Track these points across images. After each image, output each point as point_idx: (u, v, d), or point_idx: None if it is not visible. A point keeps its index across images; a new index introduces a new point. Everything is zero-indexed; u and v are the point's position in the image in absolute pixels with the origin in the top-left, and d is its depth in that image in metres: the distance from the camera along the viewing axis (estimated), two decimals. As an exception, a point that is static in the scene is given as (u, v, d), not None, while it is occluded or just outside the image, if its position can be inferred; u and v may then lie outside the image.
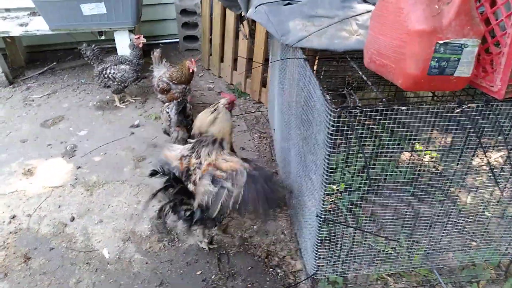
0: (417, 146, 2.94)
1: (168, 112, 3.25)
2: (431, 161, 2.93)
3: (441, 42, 1.47)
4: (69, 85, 4.50)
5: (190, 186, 2.18)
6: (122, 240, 2.62)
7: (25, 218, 2.77)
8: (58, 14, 3.90)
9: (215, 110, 2.26)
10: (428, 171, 2.81)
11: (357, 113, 1.59)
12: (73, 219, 2.77)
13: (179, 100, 3.29)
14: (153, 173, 2.05)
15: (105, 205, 2.89)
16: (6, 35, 4.18)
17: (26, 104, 4.13)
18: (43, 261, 2.47)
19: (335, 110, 1.56)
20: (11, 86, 4.45)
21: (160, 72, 3.77)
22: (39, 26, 4.15)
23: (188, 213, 2.19)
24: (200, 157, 2.23)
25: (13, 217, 2.77)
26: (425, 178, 2.55)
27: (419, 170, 2.60)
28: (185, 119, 3.26)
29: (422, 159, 2.88)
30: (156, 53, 3.81)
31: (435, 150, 2.84)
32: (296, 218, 2.58)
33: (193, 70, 3.60)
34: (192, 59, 3.60)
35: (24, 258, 2.48)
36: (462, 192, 2.51)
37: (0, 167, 3.24)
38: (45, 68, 4.80)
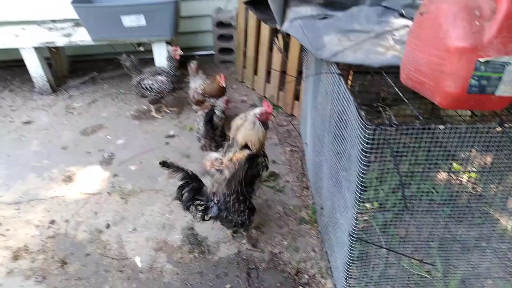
0: (455, 166, 2.83)
1: (198, 123, 3.36)
2: (469, 182, 2.81)
3: (482, 60, 1.41)
4: (108, 95, 4.66)
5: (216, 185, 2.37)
6: (154, 249, 2.66)
7: (63, 223, 2.87)
8: (100, 26, 4.06)
9: (245, 116, 2.31)
10: (467, 192, 2.70)
11: (392, 131, 1.56)
12: (108, 226, 2.85)
13: (207, 111, 3.35)
14: (163, 164, 2.20)
15: (139, 213, 2.95)
16: (52, 45, 4.39)
17: (68, 112, 4.31)
18: (78, 266, 2.55)
19: (369, 127, 1.53)
20: (54, 94, 4.66)
21: (196, 84, 3.86)
22: (82, 37, 4.33)
23: (202, 208, 2.34)
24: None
25: (52, 222, 2.88)
26: (463, 199, 2.44)
27: (457, 191, 2.50)
28: (212, 129, 3.31)
29: (460, 179, 2.77)
30: (193, 64, 3.90)
31: (475, 171, 2.72)
32: (327, 235, 2.54)
33: (222, 86, 3.69)
34: (222, 74, 3.72)
35: (61, 262, 2.57)
36: (503, 216, 2.39)
37: (42, 173, 3.39)
38: (87, 78, 5.00)
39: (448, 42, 1.45)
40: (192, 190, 2.28)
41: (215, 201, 2.34)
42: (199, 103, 3.79)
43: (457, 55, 1.44)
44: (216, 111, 3.41)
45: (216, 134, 3.35)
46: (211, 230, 2.78)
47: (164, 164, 2.21)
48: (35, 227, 2.84)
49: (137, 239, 2.74)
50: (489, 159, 2.49)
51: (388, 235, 2.32)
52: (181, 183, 2.27)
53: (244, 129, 2.34)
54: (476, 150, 2.57)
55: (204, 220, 2.40)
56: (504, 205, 2.13)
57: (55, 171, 3.41)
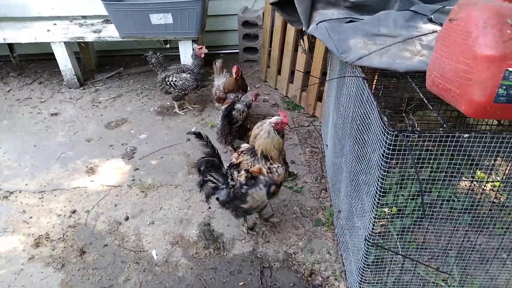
0: (479, 173, 2.77)
1: (217, 117, 3.46)
2: (492, 190, 2.75)
3: (511, 69, 1.38)
4: (133, 90, 4.75)
5: (235, 173, 2.45)
6: (170, 243, 2.70)
7: (84, 213, 2.95)
8: (129, 23, 4.14)
9: (261, 125, 2.37)
10: (489, 201, 2.64)
11: (414, 137, 1.55)
12: (127, 218, 2.90)
13: (227, 105, 3.40)
14: (196, 135, 2.34)
15: (157, 207, 3.00)
16: (81, 40, 4.50)
17: (94, 105, 4.41)
18: (96, 256, 2.61)
19: (392, 132, 1.51)
20: (81, 88, 4.78)
21: (219, 82, 3.91)
22: (111, 33, 4.43)
23: (212, 185, 2.44)
24: (248, 159, 2.49)
25: (74, 211, 2.96)
26: (485, 208, 2.39)
27: (479, 199, 2.45)
28: (230, 124, 3.39)
29: (483, 188, 2.71)
30: (218, 63, 3.95)
31: (499, 180, 2.66)
32: (343, 238, 2.52)
33: (236, 77, 3.71)
34: (236, 66, 3.73)
35: (80, 251, 2.63)
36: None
37: (67, 163, 3.48)
38: (113, 73, 5.11)
39: (477, 50, 1.43)
40: (210, 163, 2.37)
41: (231, 184, 2.41)
42: (220, 100, 3.83)
43: (485, 63, 1.41)
44: (239, 105, 3.47)
45: (233, 129, 3.44)
46: (227, 227, 2.80)
47: (195, 134, 2.34)
48: (56, 216, 2.92)
49: (154, 232, 2.78)
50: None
51: (405, 241, 2.29)
52: (204, 155, 2.38)
53: (260, 138, 2.39)
54: (501, 158, 2.52)
55: (208, 199, 2.49)
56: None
57: (79, 162, 3.49)
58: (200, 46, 3.99)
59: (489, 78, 1.42)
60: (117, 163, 3.49)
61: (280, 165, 2.45)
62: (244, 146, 2.59)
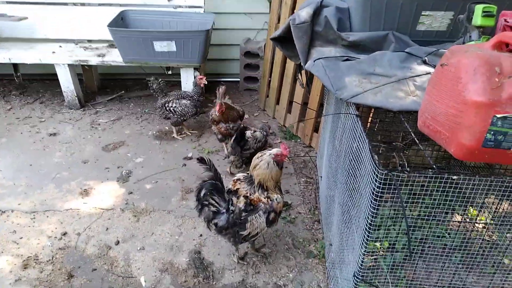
0: (471, 210, 2.79)
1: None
2: (484, 228, 2.75)
3: (499, 115, 1.43)
4: (133, 113, 4.80)
5: (234, 199, 2.46)
6: (159, 270, 2.67)
7: (75, 236, 2.93)
8: (133, 49, 4.23)
9: (261, 155, 2.40)
10: (481, 239, 2.64)
11: (404, 177, 1.58)
12: (117, 242, 2.89)
13: (239, 129, 3.57)
14: (200, 160, 2.43)
15: (149, 232, 2.99)
16: (85, 63, 4.58)
17: (93, 127, 4.45)
18: (84, 280, 2.58)
19: (382, 171, 1.54)
20: (82, 109, 4.82)
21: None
22: (114, 57, 4.52)
23: (214, 209, 2.47)
24: (245, 187, 2.51)
25: (65, 233, 2.94)
26: (476, 246, 2.39)
27: (469, 237, 2.46)
28: (242, 149, 3.52)
29: (474, 225, 2.72)
30: (221, 89, 3.98)
31: (487, 219, 2.67)
32: (333, 272, 2.51)
33: (219, 113, 3.78)
34: (218, 103, 3.79)
35: (68, 275, 2.61)
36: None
37: (61, 184, 3.48)
38: (114, 95, 5.17)
39: (467, 96, 1.48)
40: (214, 186, 2.41)
41: (231, 210, 2.42)
42: (214, 122, 3.88)
43: (474, 109, 1.46)
44: (258, 133, 3.59)
45: (244, 155, 3.56)
46: (218, 256, 2.78)
47: (198, 159, 2.44)
48: (47, 238, 2.90)
49: (144, 258, 2.76)
50: (506, 205, 2.44)
51: (396, 277, 2.28)
52: (206, 178, 2.42)
53: (259, 168, 2.43)
54: (490, 198, 2.54)
55: (209, 224, 2.49)
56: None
57: (73, 183, 3.50)
58: (201, 77, 4.07)
59: (478, 123, 1.46)
60: (112, 186, 3.49)
61: (278, 195, 2.48)
62: (240, 174, 2.61)
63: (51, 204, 3.24)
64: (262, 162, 2.45)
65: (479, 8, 1.80)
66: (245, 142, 3.50)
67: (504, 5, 2.05)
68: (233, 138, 3.56)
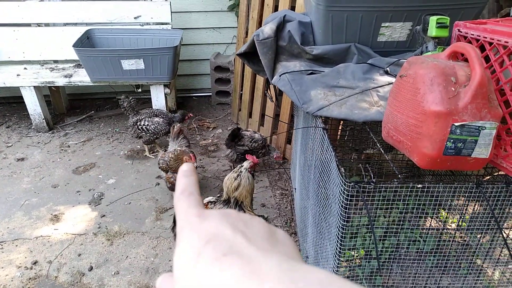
0: (443, 213, 2.85)
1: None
2: (457, 230, 2.81)
3: (457, 124, 1.47)
4: (104, 133, 4.71)
5: None
6: (135, 294, 2.62)
7: (46, 264, 2.83)
8: (100, 68, 4.17)
9: (238, 176, 2.38)
10: (453, 241, 2.70)
11: (370, 187, 1.60)
12: (91, 268, 2.81)
13: (232, 129, 3.73)
14: None
15: (123, 256, 2.92)
16: (52, 85, 4.49)
17: (62, 150, 4.34)
18: (57, 311, 2.50)
19: (348, 183, 1.56)
20: (50, 131, 4.71)
21: (171, 149, 3.49)
22: (82, 78, 4.44)
23: None
24: (220, 207, 2.42)
25: (35, 262, 2.84)
26: (449, 248, 2.44)
27: (443, 240, 2.51)
28: (236, 144, 3.72)
29: (446, 228, 2.78)
30: (176, 127, 3.58)
31: (458, 225, 2.73)
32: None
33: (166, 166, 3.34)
34: (191, 156, 3.22)
35: (39, 306, 2.52)
36: (490, 266, 2.38)
37: (30, 211, 3.37)
38: (84, 116, 5.08)
39: (425, 106, 1.51)
40: None
41: None
42: (162, 171, 3.42)
43: (433, 119, 1.50)
44: (257, 135, 3.81)
45: (238, 150, 3.76)
46: (196, 277, 2.74)
47: None
48: (16, 268, 2.79)
49: (119, 283, 2.69)
50: (477, 207, 2.51)
51: (373, 285, 2.30)
52: None
53: (243, 187, 2.39)
54: (460, 200, 2.60)
55: None
56: (488, 255, 2.12)
57: (43, 209, 3.39)
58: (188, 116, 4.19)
59: (437, 132, 1.49)
60: (83, 209, 3.41)
61: (254, 214, 2.46)
62: (208, 198, 2.58)
63: (20, 233, 3.13)
64: (243, 180, 2.42)
65: (433, 20, 1.86)
66: (240, 138, 3.66)
67: (458, 15, 2.13)
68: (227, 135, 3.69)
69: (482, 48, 1.71)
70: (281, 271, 0.33)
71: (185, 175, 0.47)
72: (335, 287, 0.32)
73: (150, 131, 4.05)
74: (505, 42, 1.54)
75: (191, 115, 4.30)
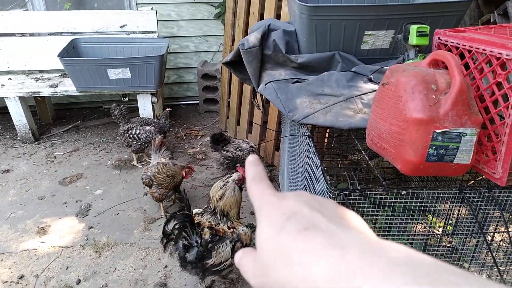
0: (430, 217, 2.87)
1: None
2: (444, 234, 2.84)
3: (438, 131, 1.49)
4: (90, 143, 4.68)
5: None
6: (124, 307, 2.59)
7: (33, 278, 2.79)
8: (86, 77, 4.15)
9: (224, 185, 2.38)
10: (440, 245, 2.72)
11: (356, 195, 1.61)
12: (79, 281, 2.77)
13: (213, 134, 3.83)
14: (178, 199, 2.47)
15: (112, 268, 2.89)
16: (37, 95, 4.45)
17: (48, 161, 4.29)
18: (44, 325, 2.46)
19: (334, 192, 1.57)
20: (36, 142, 4.66)
21: (154, 162, 3.43)
22: (68, 87, 4.41)
23: (187, 243, 2.37)
24: (208, 218, 2.46)
25: (21, 277, 2.80)
26: (436, 252, 2.46)
27: (430, 244, 2.53)
28: (222, 148, 3.87)
29: (433, 232, 2.81)
30: (157, 139, 3.51)
31: (444, 229, 2.76)
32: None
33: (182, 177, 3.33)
34: (187, 169, 3.33)
35: (26, 321, 2.48)
36: (476, 270, 2.41)
37: (16, 224, 3.32)
38: (70, 126, 5.04)
39: (407, 113, 1.54)
40: (189, 218, 2.33)
41: (199, 243, 2.36)
42: (146, 186, 3.38)
43: (415, 126, 1.52)
44: (245, 145, 3.87)
45: (224, 155, 3.87)
46: (185, 287, 2.72)
47: (178, 199, 2.44)
48: (2, 283, 2.74)
49: (108, 296, 2.67)
50: (463, 211, 2.54)
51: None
52: (179, 209, 2.35)
53: (227, 198, 2.41)
54: (447, 204, 2.63)
55: (181, 260, 2.38)
56: (474, 258, 2.15)
57: (29, 222, 3.35)
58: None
59: (419, 139, 1.52)
60: (71, 221, 3.37)
61: (243, 226, 2.45)
62: (195, 210, 2.58)
63: (5, 247, 3.08)
64: (228, 191, 2.44)
65: (413, 28, 1.89)
66: (226, 144, 3.80)
67: (439, 23, 2.17)
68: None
69: (462, 56, 1.75)
70: (364, 244, 0.35)
71: (252, 164, 0.51)
72: (417, 264, 0.33)
73: (141, 140, 4.03)
74: (483, 50, 1.58)
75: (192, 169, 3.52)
